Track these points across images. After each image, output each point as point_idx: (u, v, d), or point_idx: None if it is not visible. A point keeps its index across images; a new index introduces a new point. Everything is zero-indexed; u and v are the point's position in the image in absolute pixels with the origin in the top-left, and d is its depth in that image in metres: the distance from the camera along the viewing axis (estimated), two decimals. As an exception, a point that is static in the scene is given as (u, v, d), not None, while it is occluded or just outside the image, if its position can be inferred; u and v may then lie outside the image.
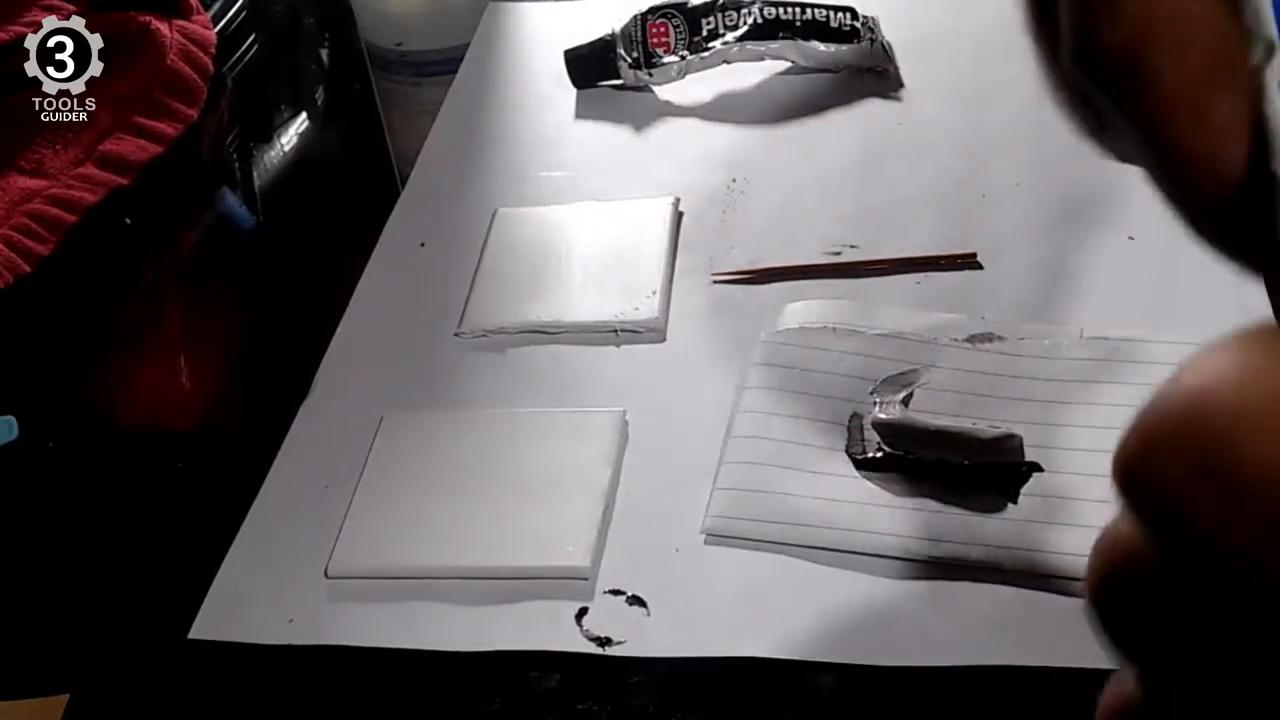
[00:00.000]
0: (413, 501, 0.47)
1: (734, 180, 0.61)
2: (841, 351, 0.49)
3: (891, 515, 0.44)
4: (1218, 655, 0.18)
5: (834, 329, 0.50)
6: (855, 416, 0.47)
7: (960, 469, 0.44)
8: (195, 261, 0.62)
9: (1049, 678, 0.39)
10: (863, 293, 0.53)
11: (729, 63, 0.66)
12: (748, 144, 0.64)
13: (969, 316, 0.51)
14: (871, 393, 0.48)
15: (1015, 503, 0.43)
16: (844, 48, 0.66)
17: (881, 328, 0.50)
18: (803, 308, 0.52)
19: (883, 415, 0.46)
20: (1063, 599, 0.41)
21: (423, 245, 0.60)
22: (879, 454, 0.45)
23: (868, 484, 0.45)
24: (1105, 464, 0.47)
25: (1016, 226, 0.56)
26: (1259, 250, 0.23)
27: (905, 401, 0.47)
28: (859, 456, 0.46)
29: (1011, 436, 0.45)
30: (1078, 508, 0.43)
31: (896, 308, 0.52)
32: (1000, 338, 0.49)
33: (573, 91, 0.68)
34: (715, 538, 0.45)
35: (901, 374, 0.48)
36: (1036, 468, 0.44)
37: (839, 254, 0.55)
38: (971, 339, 0.49)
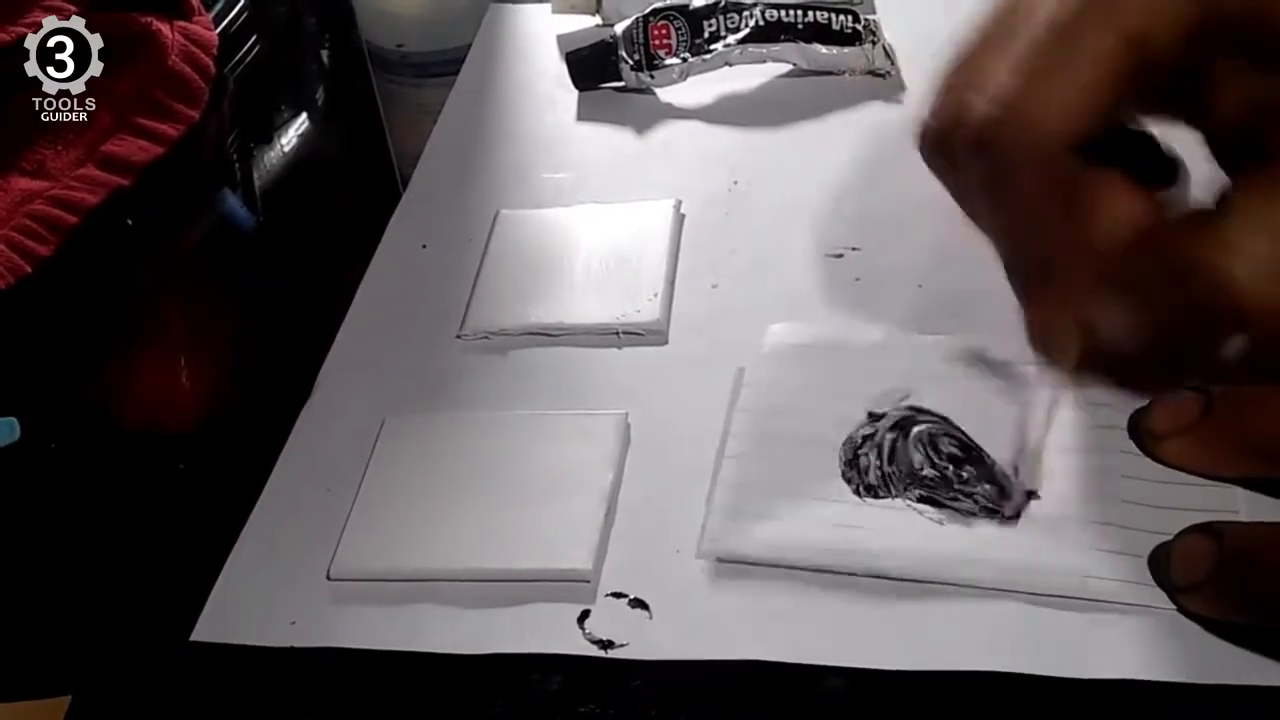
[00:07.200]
0: (415, 504, 0.47)
1: (736, 182, 0.61)
2: (831, 373, 0.49)
3: (890, 539, 0.43)
4: None
5: (823, 348, 0.50)
6: (849, 440, 0.46)
7: (959, 492, 0.44)
8: (195, 262, 0.62)
9: (1049, 687, 0.39)
10: (864, 295, 0.53)
11: (731, 65, 0.66)
12: (749, 146, 0.64)
13: (962, 335, 0.49)
14: (865, 414, 0.47)
15: (1016, 525, 0.43)
16: (846, 50, 0.66)
17: (869, 349, 0.49)
18: (786, 329, 0.52)
19: (878, 438, 0.46)
20: (1066, 614, 0.41)
21: (424, 247, 0.60)
22: (876, 475, 0.45)
23: (865, 507, 0.44)
24: (1104, 488, 0.46)
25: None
26: None
27: (901, 424, 0.46)
28: (855, 479, 0.45)
29: (1012, 463, 0.44)
30: (1079, 529, 0.42)
31: (884, 326, 0.51)
32: (995, 361, 0.48)
33: (574, 93, 0.68)
34: (717, 562, 0.44)
35: (894, 394, 0.47)
36: (1034, 495, 0.43)
37: (841, 256, 0.55)
38: (964, 359, 0.48)
